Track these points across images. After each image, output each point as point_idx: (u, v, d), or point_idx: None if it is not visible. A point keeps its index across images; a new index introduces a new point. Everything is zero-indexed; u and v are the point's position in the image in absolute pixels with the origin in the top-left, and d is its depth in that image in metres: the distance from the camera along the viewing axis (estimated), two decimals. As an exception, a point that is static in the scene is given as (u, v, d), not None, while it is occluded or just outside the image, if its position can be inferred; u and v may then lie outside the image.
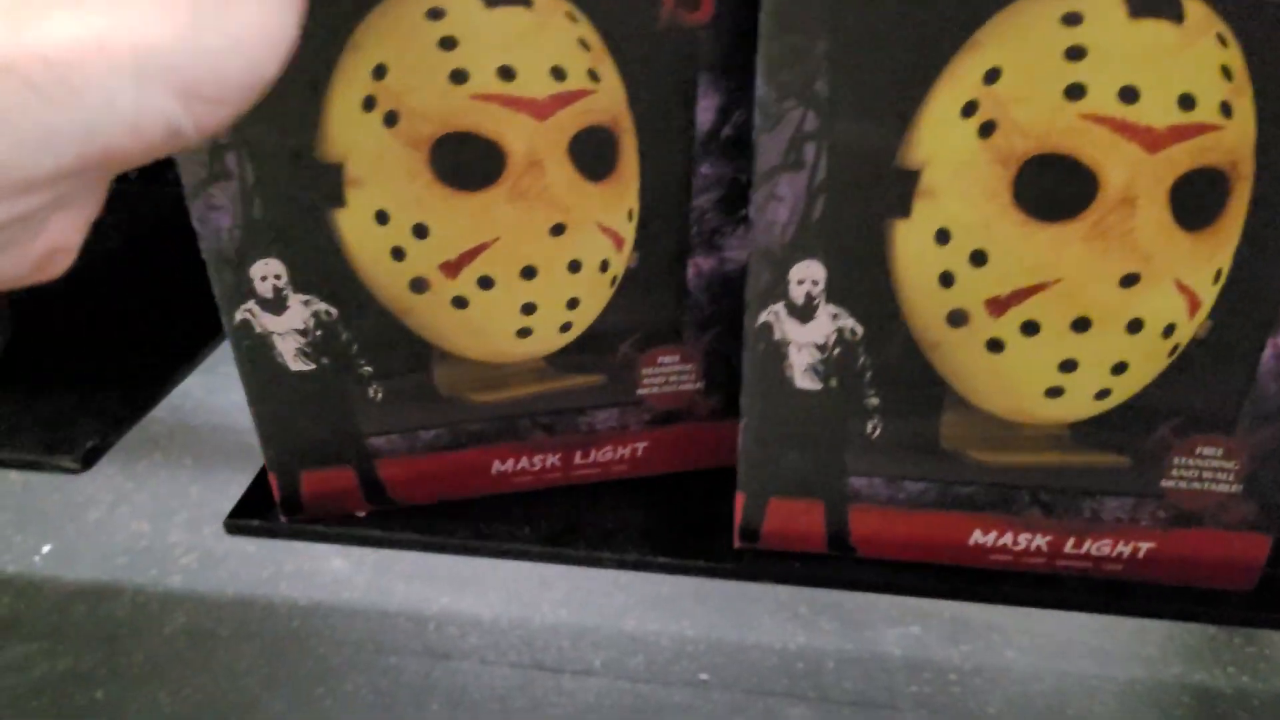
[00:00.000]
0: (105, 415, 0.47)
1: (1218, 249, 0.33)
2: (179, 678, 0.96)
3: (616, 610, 1.04)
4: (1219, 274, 0.34)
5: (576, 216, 0.36)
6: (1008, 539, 0.40)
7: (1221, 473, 0.37)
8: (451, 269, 0.37)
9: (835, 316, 0.36)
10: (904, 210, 0.34)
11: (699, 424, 0.43)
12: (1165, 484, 0.38)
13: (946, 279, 0.35)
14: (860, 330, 0.36)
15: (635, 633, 1.02)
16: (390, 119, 0.34)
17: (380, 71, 0.33)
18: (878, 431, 0.38)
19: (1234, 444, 0.37)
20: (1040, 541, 0.40)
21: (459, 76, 0.33)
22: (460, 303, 0.37)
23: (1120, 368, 0.36)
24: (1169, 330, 0.35)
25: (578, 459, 0.43)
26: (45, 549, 1.12)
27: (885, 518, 0.40)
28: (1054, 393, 0.36)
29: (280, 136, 0.34)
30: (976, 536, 0.40)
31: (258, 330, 0.37)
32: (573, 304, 0.39)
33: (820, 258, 0.35)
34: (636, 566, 0.41)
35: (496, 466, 0.43)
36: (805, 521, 0.40)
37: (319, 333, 0.38)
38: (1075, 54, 0.31)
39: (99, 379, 0.50)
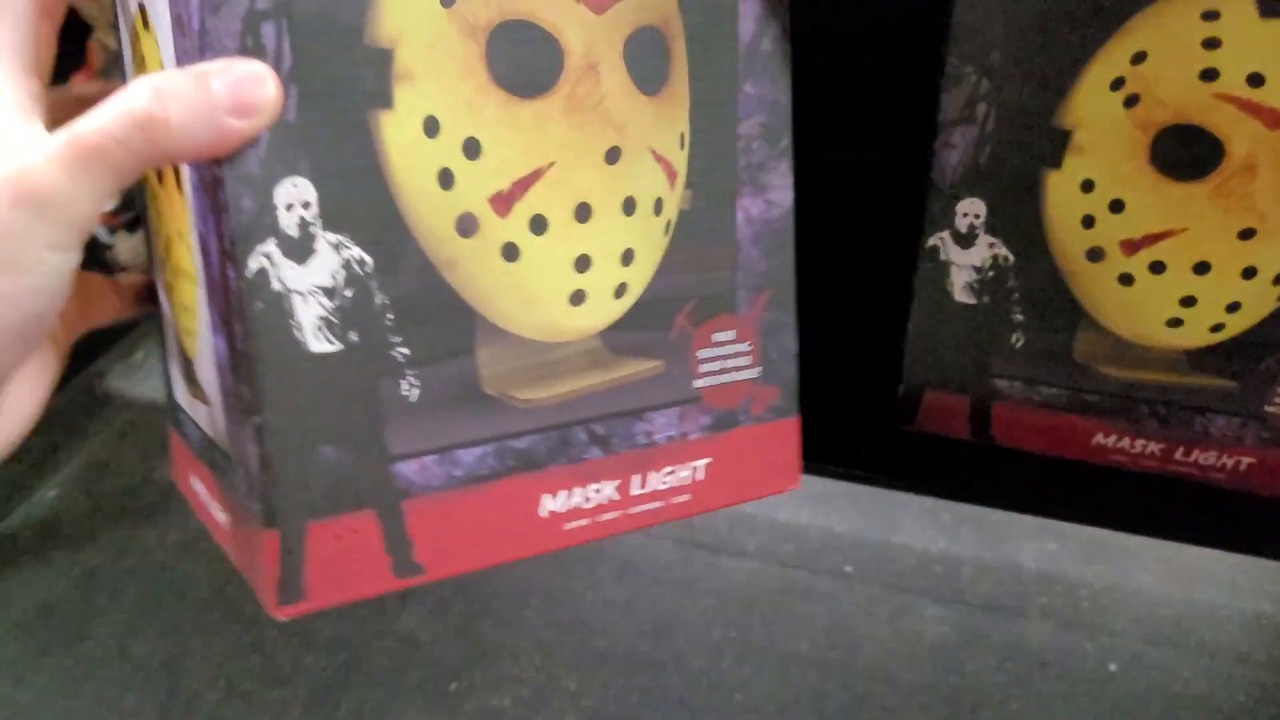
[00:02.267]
0: None
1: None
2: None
3: (772, 503, 1.14)
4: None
5: (631, 138, 0.33)
6: (1125, 443, 0.48)
7: (1320, 405, 0.44)
8: (503, 203, 0.32)
9: (991, 245, 0.44)
10: (1056, 162, 0.42)
11: (756, 428, 0.38)
12: (1269, 409, 0.45)
13: (1088, 221, 0.42)
14: (1011, 258, 0.44)
15: (788, 523, 1.12)
16: None
17: None
18: (1020, 342, 0.46)
19: (1332, 379, 0.44)
20: (1154, 448, 0.47)
21: None
22: (511, 252, 0.32)
23: (1234, 307, 0.43)
24: (1279, 279, 0.42)
25: (636, 486, 0.37)
26: None
27: (1022, 414, 0.48)
28: (1174, 323, 0.44)
29: (330, 6, 0.29)
30: (1099, 439, 0.48)
31: (275, 287, 0.29)
32: (627, 257, 0.35)
33: (982, 195, 0.43)
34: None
35: (547, 504, 0.35)
36: (954, 411, 0.49)
37: (349, 292, 0.30)
38: (1211, 44, 0.38)
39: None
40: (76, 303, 0.33)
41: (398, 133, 0.30)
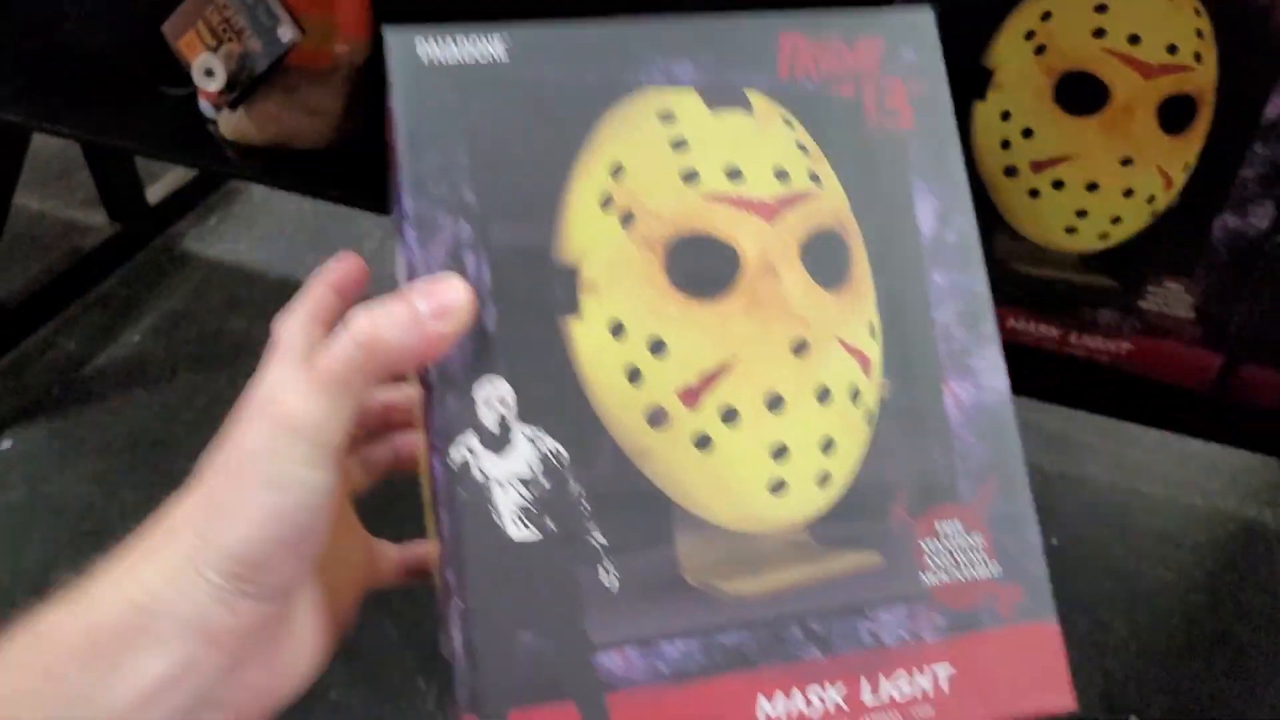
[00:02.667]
0: None
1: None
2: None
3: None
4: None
5: (817, 330, 0.35)
6: (1031, 326, 0.60)
7: (1182, 304, 0.56)
8: (691, 396, 0.34)
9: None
10: (981, 94, 0.52)
11: (1004, 630, 0.35)
12: (1141, 304, 0.56)
13: (1005, 144, 0.54)
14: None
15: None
16: (627, 219, 0.34)
17: (618, 170, 0.34)
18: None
19: (1193, 285, 0.55)
20: (1053, 332, 0.59)
21: (691, 177, 0.34)
22: (703, 442, 0.34)
23: (1116, 220, 0.54)
24: (1150, 199, 0.53)
25: (866, 693, 0.34)
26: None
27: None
28: (1070, 230, 0.56)
29: (520, 234, 0.33)
30: (1011, 322, 0.61)
31: (476, 476, 0.32)
32: (828, 446, 0.35)
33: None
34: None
35: (764, 708, 0.33)
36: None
37: (546, 482, 0.33)
38: (1101, 9, 0.48)
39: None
40: (364, 564, 0.38)
41: (587, 336, 0.33)
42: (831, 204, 0.35)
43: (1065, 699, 0.34)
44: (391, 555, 0.39)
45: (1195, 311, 0.57)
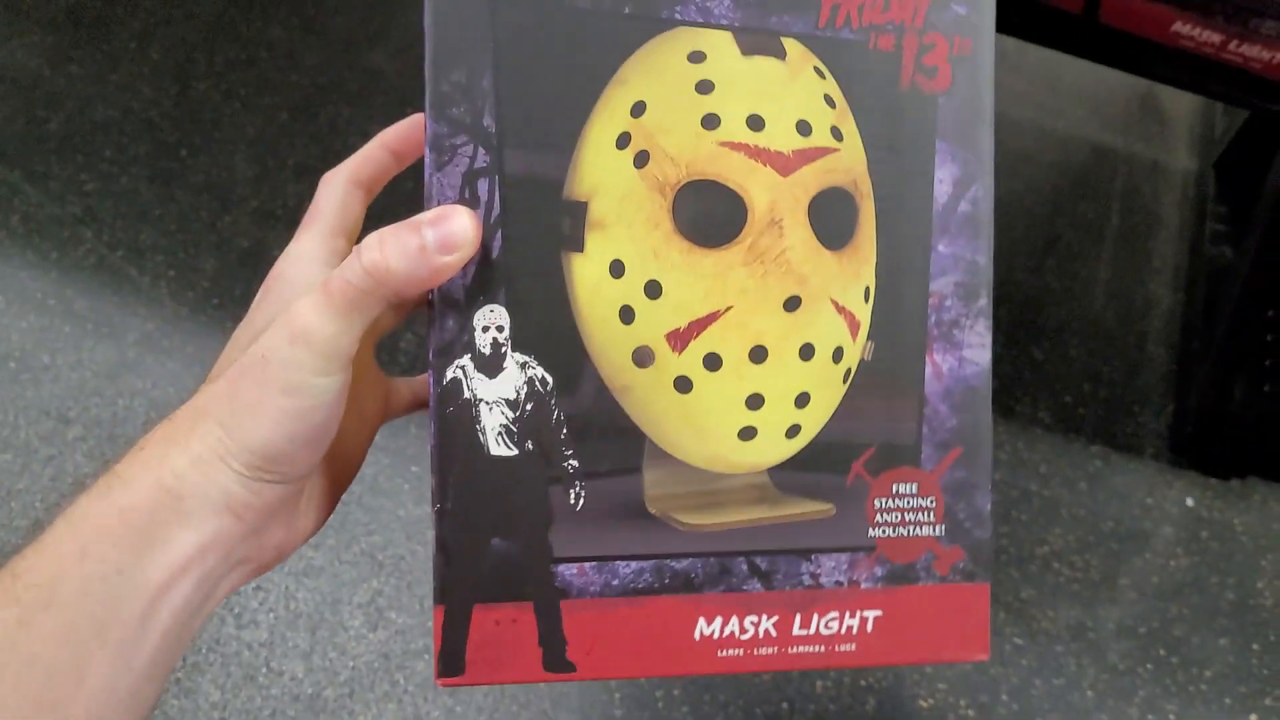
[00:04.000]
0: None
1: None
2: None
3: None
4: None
5: (812, 289, 0.35)
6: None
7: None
8: (679, 340, 0.35)
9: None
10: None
11: (938, 587, 0.37)
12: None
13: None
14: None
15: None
16: (641, 159, 0.34)
17: (639, 109, 0.34)
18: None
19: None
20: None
21: (711, 121, 0.34)
22: (683, 385, 0.35)
23: (803, 399, 0.37)
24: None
25: (797, 626, 0.36)
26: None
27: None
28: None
29: (535, 165, 0.34)
30: (702, 627, 0.38)
31: (465, 395, 0.34)
32: (802, 401, 0.36)
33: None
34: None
35: (702, 628, 0.36)
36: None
37: (529, 406, 0.34)
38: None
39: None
40: (379, 404, 0.39)
41: (586, 272, 0.34)
42: (849, 162, 0.35)
43: (980, 653, 0.37)
44: (405, 391, 0.40)
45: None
